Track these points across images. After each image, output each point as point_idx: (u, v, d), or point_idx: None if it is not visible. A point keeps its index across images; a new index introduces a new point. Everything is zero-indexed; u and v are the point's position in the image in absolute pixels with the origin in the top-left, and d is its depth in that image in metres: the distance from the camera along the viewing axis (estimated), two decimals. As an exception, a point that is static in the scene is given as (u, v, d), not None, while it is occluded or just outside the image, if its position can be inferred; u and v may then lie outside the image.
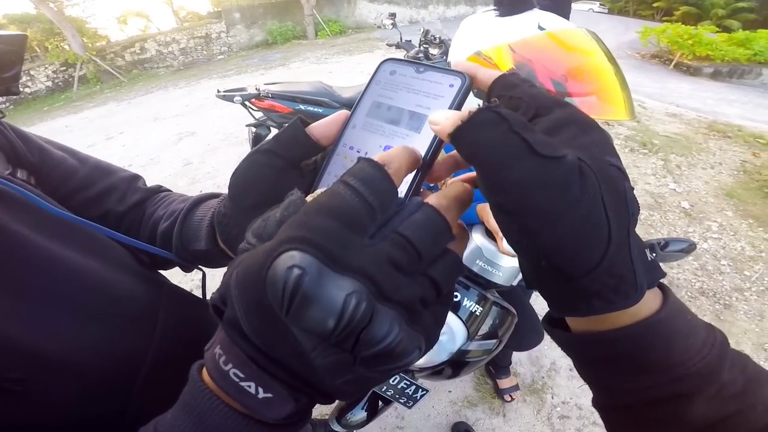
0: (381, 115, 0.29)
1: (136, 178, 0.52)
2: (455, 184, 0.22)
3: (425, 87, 0.28)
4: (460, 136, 0.21)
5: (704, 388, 0.22)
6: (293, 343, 0.17)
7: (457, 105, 0.27)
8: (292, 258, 0.15)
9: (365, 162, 0.19)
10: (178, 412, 0.20)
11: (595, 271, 0.20)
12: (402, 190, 0.24)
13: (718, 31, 8.80)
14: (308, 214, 0.18)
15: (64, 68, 9.66)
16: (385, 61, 0.31)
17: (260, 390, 0.18)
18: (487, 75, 0.27)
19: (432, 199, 0.20)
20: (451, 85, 0.27)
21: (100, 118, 6.26)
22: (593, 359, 0.25)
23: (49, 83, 9.57)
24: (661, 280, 0.24)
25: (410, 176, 0.24)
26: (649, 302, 0.22)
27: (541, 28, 0.77)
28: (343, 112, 0.30)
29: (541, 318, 0.30)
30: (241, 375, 0.18)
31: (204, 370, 0.20)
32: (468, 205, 0.23)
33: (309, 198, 0.21)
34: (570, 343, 0.26)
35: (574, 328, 0.25)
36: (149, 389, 0.38)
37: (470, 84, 0.27)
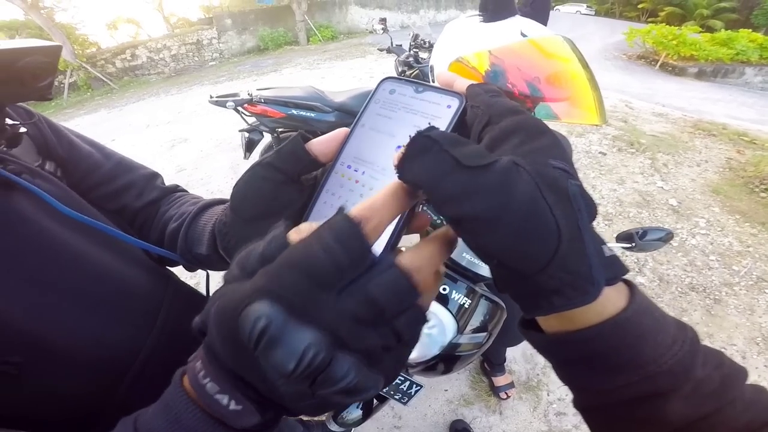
0: (379, 135, 0.29)
1: (155, 176, 0.54)
2: (432, 239, 0.23)
3: (423, 107, 0.28)
4: (403, 166, 0.22)
5: (679, 386, 0.22)
6: (261, 372, 0.19)
7: (455, 126, 0.27)
8: (261, 308, 0.18)
9: (342, 218, 0.20)
10: (158, 410, 0.22)
11: (549, 268, 0.21)
12: (383, 241, 0.25)
13: (701, 32, 8.98)
14: (282, 266, 0.19)
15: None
16: (384, 79, 0.31)
17: (232, 402, 0.20)
18: (460, 85, 0.28)
19: (405, 258, 0.21)
20: (449, 106, 0.28)
21: (92, 125, 6.20)
22: (567, 360, 0.26)
23: (39, 91, 9.44)
24: (629, 277, 0.24)
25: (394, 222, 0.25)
26: (615, 300, 0.23)
27: (523, 35, 0.80)
28: (343, 130, 0.30)
29: None
30: (216, 388, 0.20)
31: (185, 378, 0.22)
32: (449, 251, 0.24)
33: (293, 233, 0.22)
34: (544, 345, 0.27)
35: (547, 330, 0.26)
36: (138, 384, 0.39)
37: (467, 104, 0.27)
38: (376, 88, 0.31)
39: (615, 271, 0.23)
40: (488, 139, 0.24)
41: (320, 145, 0.30)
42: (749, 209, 2.81)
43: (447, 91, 0.28)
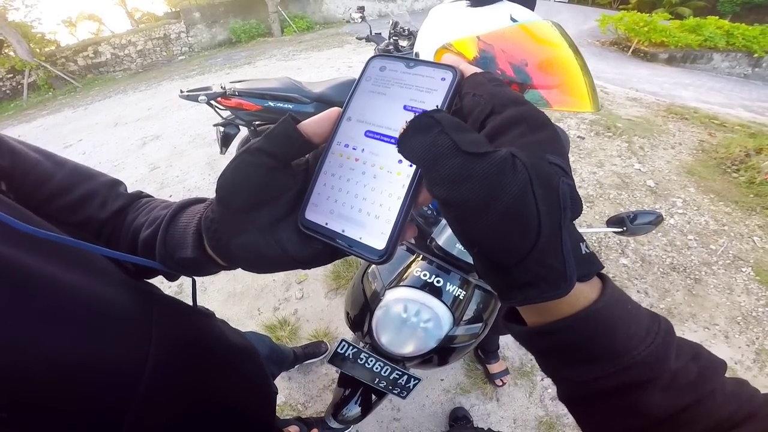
0: (375, 111, 0.29)
1: (117, 183, 0.48)
2: None
3: (417, 81, 0.28)
4: (403, 141, 0.23)
5: (654, 377, 0.22)
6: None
7: (450, 98, 0.27)
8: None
9: None
10: None
11: (525, 261, 0.22)
12: (408, 177, 0.27)
13: (671, 18, 9.22)
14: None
15: (11, 75, 9.00)
16: (373, 57, 0.31)
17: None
18: (466, 70, 0.28)
19: None
20: (443, 79, 0.28)
21: (56, 125, 5.88)
22: (545, 351, 0.27)
23: (-5, 92, 8.94)
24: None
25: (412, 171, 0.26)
26: (588, 293, 0.24)
27: (513, 20, 0.76)
28: (335, 110, 0.30)
29: None
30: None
31: None
32: None
33: None
34: (522, 335, 0.27)
35: (527, 321, 0.27)
36: (148, 409, 0.35)
37: (461, 77, 0.27)
38: (366, 66, 0.31)
39: (590, 267, 0.24)
40: (490, 128, 0.24)
41: (313, 125, 0.29)
42: (722, 189, 2.91)
43: (439, 64, 0.28)
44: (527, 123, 0.24)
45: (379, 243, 0.27)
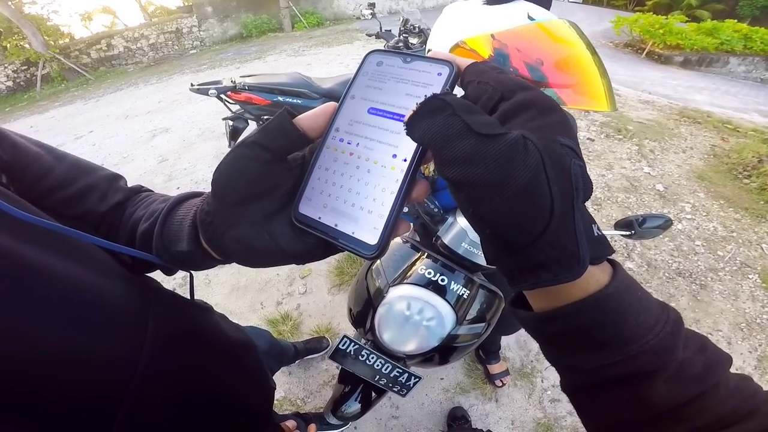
0: (371, 106, 0.29)
1: (117, 177, 0.48)
2: None
3: (414, 76, 0.28)
4: (413, 123, 0.23)
5: (661, 366, 0.22)
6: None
7: (448, 93, 0.27)
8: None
9: None
10: None
11: (538, 242, 0.21)
12: (402, 171, 0.27)
13: (687, 21, 9.05)
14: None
15: (26, 67, 9.17)
16: (371, 52, 0.31)
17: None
18: (462, 63, 0.28)
19: None
20: (440, 74, 0.28)
21: (68, 117, 5.97)
22: (552, 337, 0.26)
23: (10, 83, 9.09)
24: (614, 257, 0.25)
25: (409, 157, 0.26)
26: (599, 278, 0.24)
27: (530, 18, 0.76)
28: (331, 104, 0.30)
29: None
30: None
31: None
32: None
33: None
34: (530, 321, 0.27)
35: (535, 307, 0.27)
36: (141, 402, 0.35)
37: (458, 72, 0.28)
38: (363, 61, 0.31)
39: (601, 250, 0.24)
40: (500, 113, 0.24)
41: (309, 119, 0.29)
42: (733, 195, 2.86)
43: (436, 59, 0.28)
44: (537, 107, 0.24)
45: (372, 238, 0.27)
